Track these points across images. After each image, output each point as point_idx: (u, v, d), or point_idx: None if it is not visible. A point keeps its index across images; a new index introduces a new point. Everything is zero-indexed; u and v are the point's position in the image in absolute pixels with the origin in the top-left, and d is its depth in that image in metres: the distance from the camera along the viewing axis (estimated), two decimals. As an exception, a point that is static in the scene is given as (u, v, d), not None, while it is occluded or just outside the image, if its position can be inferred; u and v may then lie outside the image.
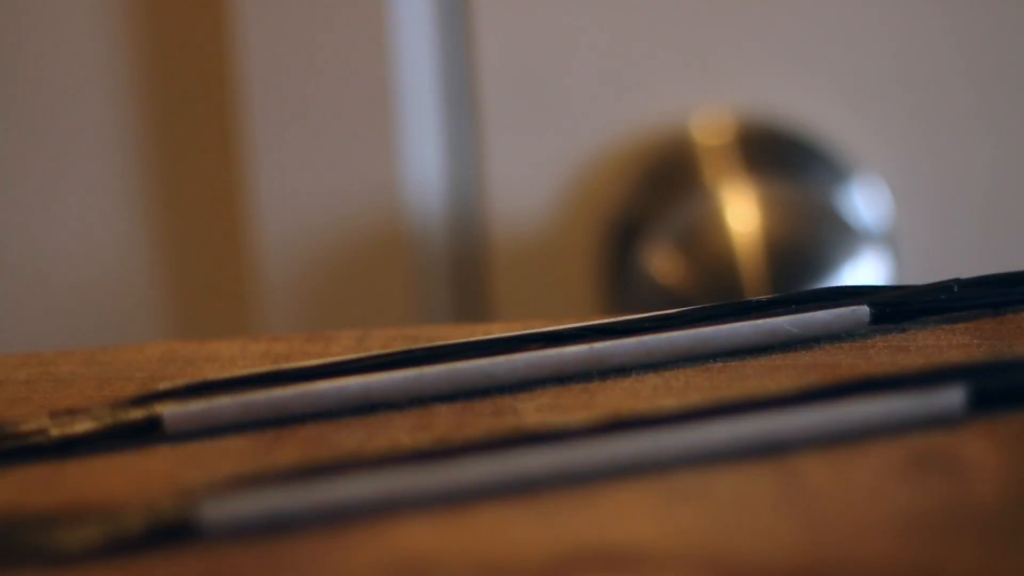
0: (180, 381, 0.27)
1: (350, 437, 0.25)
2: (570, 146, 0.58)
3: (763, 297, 0.28)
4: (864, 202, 0.56)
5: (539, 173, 0.58)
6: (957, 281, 0.29)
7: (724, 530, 0.21)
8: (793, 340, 0.28)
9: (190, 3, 0.61)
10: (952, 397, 0.24)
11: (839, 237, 0.53)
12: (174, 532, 0.22)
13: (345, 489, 0.22)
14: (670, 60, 0.58)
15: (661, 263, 0.53)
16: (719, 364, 0.27)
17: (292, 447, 0.25)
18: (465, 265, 0.59)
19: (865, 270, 0.52)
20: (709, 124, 0.57)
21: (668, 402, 0.24)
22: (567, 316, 0.53)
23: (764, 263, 0.51)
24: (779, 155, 0.56)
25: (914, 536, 0.21)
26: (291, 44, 0.57)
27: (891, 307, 0.28)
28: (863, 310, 0.28)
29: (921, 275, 0.54)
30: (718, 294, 0.51)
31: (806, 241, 0.53)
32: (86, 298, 0.63)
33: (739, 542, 0.21)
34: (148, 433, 0.26)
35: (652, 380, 0.27)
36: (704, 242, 0.53)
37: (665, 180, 0.57)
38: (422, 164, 0.58)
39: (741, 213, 0.53)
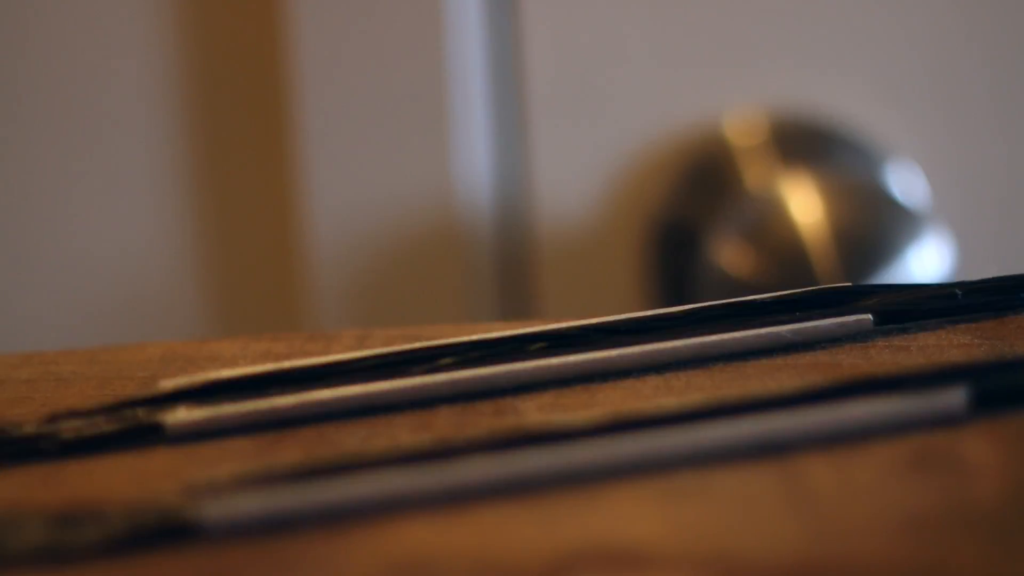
0: (181, 381, 0.26)
1: (351, 437, 0.25)
2: (613, 145, 0.59)
3: (767, 296, 0.28)
4: (901, 188, 0.56)
5: (583, 171, 0.59)
6: (960, 285, 0.29)
7: (725, 529, 0.21)
8: (794, 346, 0.28)
9: (244, 2, 0.61)
10: (953, 397, 0.24)
11: (900, 220, 0.53)
12: (176, 531, 0.22)
13: (346, 488, 0.22)
14: (705, 57, 0.58)
15: (731, 256, 0.53)
16: (720, 364, 0.27)
17: (293, 447, 0.25)
18: (512, 262, 0.60)
19: (929, 252, 0.53)
20: (743, 122, 0.58)
21: (669, 402, 0.24)
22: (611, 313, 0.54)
23: (833, 249, 0.52)
24: (815, 148, 0.56)
25: (915, 535, 0.21)
26: (343, 44, 0.58)
27: (894, 314, 0.28)
28: (866, 319, 0.28)
29: (961, 258, 0.55)
30: (791, 283, 0.52)
31: (870, 225, 0.53)
32: (137, 298, 0.63)
33: (740, 541, 0.21)
34: (149, 433, 0.26)
35: (653, 380, 0.27)
36: (772, 233, 0.53)
37: (705, 179, 0.58)
38: (472, 163, 0.59)
39: (803, 203, 0.53)
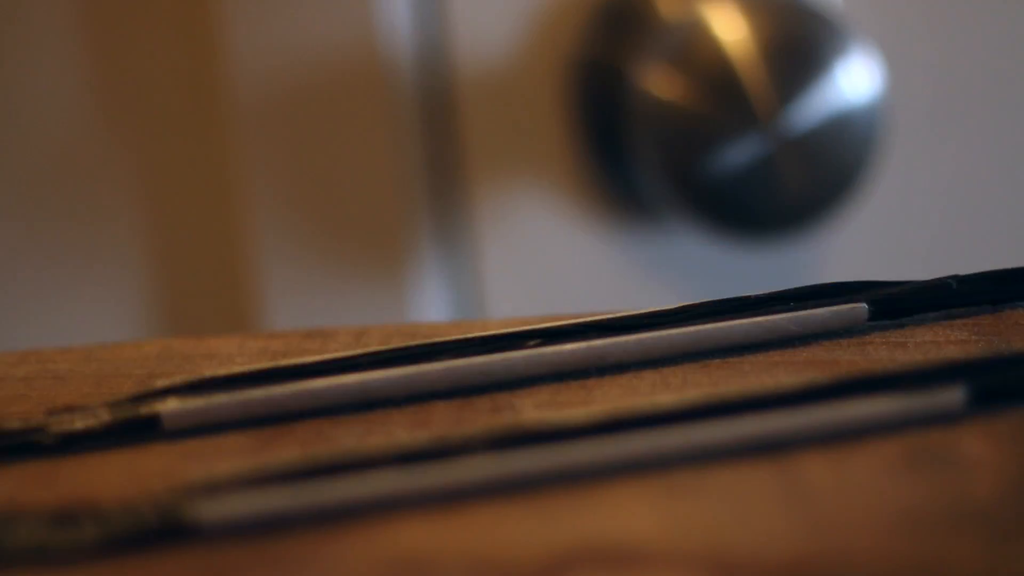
0: (178, 378, 0.26)
1: (348, 434, 0.25)
2: None
3: (762, 293, 0.28)
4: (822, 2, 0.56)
5: (501, 9, 0.58)
6: (955, 278, 0.29)
7: (723, 526, 0.21)
8: (791, 337, 0.28)
9: None
10: (951, 393, 0.24)
11: (828, 34, 0.53)
12: (171, 530, 0.22)
13: (343, 487, 0.22)
14: None
15: (660, 82, 0.53)
16: (717, 361, 0.27)
17: (290, 444, 0.25)
18: (436, 105, 0.59)
19: (857, 68, 0.53)
20: None
21: (666, 398, 0.24)
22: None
23: (762, 65, 0.52)
24: None
25: (913, 532, 0.21)
26: None
27: (889, 304, 0.28)
28: (861, 308, 0.28)
29: (889, 73, 0.54)
30: (723, 103, 0.52)
31: (798, 39, 0.53)
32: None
33: (738, 538, 0.21)
34: (146, 430, 0.26)
35: (650, 376, 0.27)
36: (699, 54, 0.53)
37: (620, 11, 0.58)
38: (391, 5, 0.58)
39: (728, 24, 0.53)
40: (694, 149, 0.52)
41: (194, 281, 0.63)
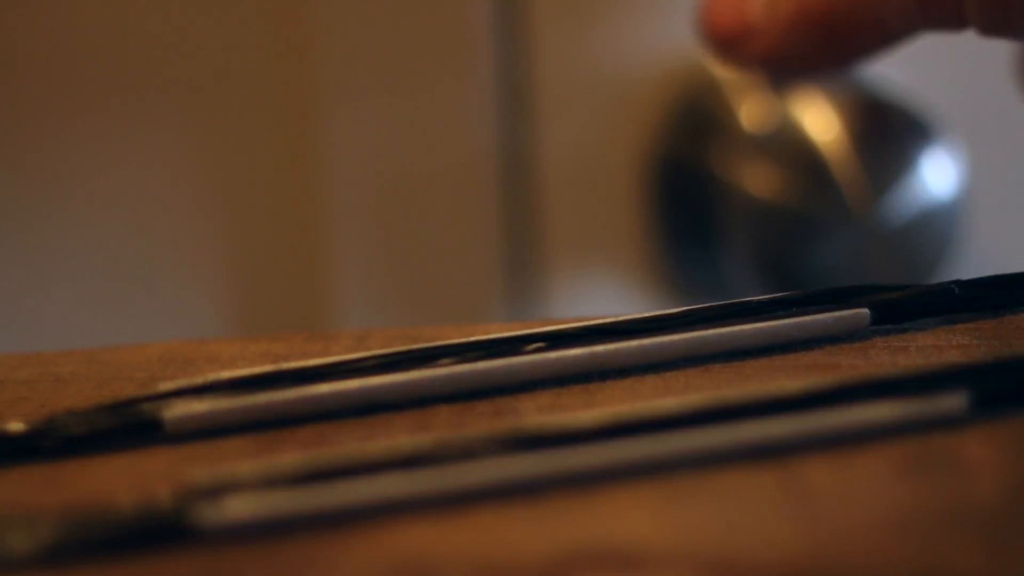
0: (180, 381, 0.27)
1: (350, 438, 0.25)
2: (607, 80, 0.58)
3: (764, 297, 0.28)
4: (905, 96, 0.56)
5: (583, 109, 0.59)
6: (957, 283, 0.29)
7: (725, 530, 0.21)
8: (793, 342, 0.28)
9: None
10: (953, 398, 0.24)
11: (912, 128, 0.53)
12: (174, 533, 0.22)
13: (345, 489, 0.22)
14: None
15: (750, 174, 0.53)
16: (719, 365, 0.27)
17: (292, 447, 0.25)
18: (518, 194, 0.60)
19: (941, 158, 0.53)
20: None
21: (668, 403, 0.24)
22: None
23: (854, 158, 0.52)
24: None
25: (915, 536, 0.21)
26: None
27: (891, 309, 0.28)
28: (864, 313, 0.28)
29: (971, 165, 0.54)
30: (816, 197, 0.52)
31: (887, 133, 0.53)
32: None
33: (740, 542, 0.21)
34: (148, 433, 0.26)
35: (652, 380, 0.27)
36: (791, 148, 0.53)
37: (697, 111, 0.58)
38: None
39: (817, 118, 0.53)
40: (788, 243, 0.53)
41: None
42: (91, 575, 0.21)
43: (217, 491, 0.22)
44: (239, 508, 0.22)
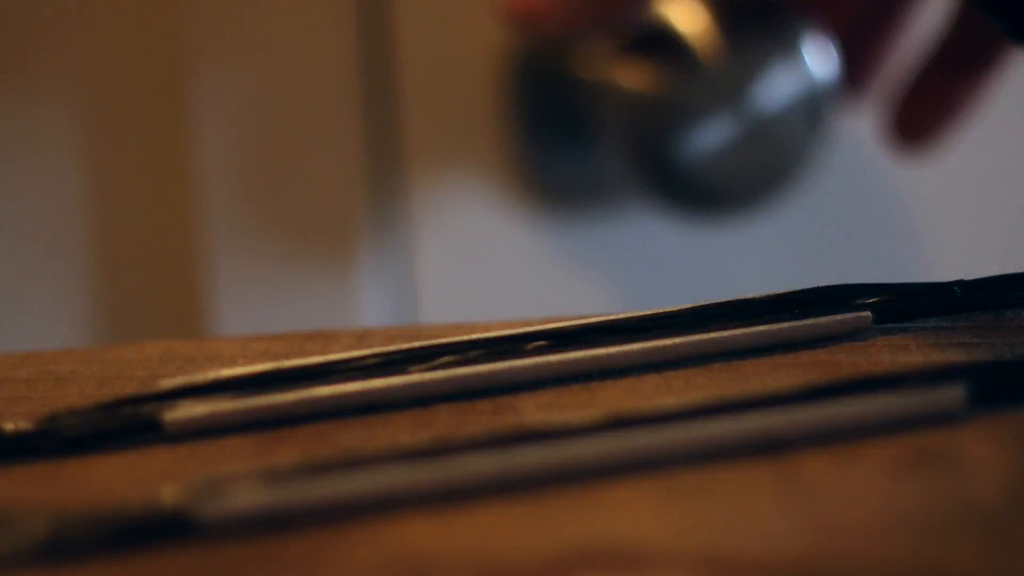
0: (180, 380, 0.27)
1: (350, 435, 0.25)
2: None
3: (765, 295, 0.28)
4: None
5: (443, 13, 0.59)
6: (960, 283, 0.29)
7: (725, 527, 0.21)
8: (794, 343, 0.28)
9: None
10: (953, 395, 0.24)
11: (782, 17, 0.53)
12: (175, 529, 0.22)
13: (345, 486, 0.22)
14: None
15: (622, 71, 0.53)
16: (719, 364, 0.27)
17: (293, 445, 0.25)
18: (377, 103, 0.60)
19: (813, 51, 0.53)
20: None
21: (669, 401, 0.24)
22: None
23: (725, 47, 0.52)
24: None
25: (914, 534, 0.21)
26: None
27: (892, 308, 0.28)
28: (866, 316, 0.28)
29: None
30: (687, 86, 0.52)
31: (754, 23, 0.53)
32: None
33: (740, 539, 0.21)
34: (148, 432, 0.26)
35: (652, 379, 0.27)
36: (660, 43, 0.53)
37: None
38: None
39: (686, 15, 0.53)
40: (661, 133, 0.53)
41: (141, 283, 0.63)
42: (94, 570, 0.21)
43: (218, 486, 0.22)
44: (240, 502, 0.22)
